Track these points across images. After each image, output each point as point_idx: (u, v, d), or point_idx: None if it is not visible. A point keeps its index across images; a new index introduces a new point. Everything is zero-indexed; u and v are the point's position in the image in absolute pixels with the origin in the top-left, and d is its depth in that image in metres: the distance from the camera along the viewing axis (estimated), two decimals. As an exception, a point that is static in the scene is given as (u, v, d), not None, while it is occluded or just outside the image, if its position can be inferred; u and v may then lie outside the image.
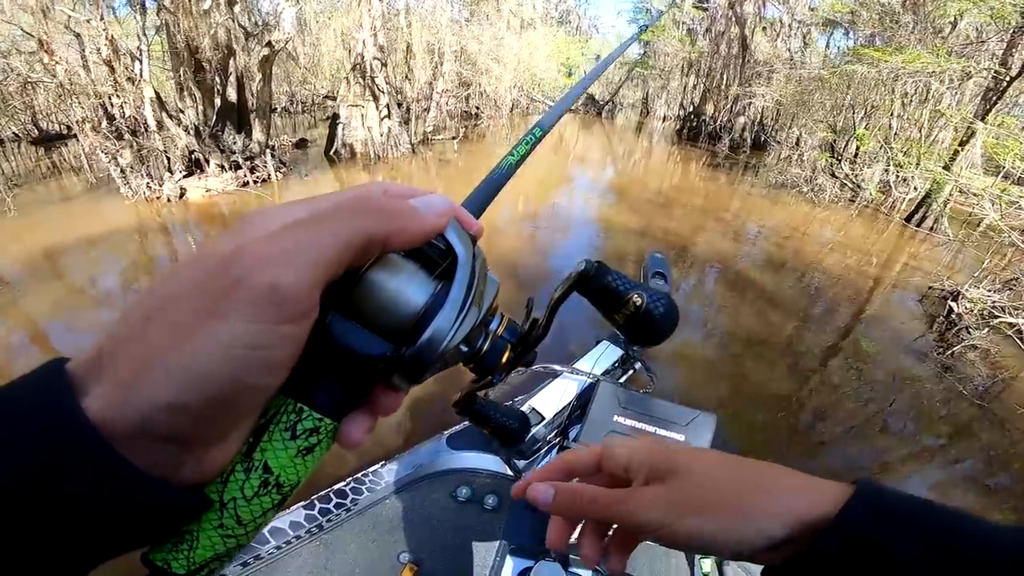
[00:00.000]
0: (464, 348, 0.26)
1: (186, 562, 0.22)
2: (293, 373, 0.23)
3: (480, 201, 0.32)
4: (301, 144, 11.90)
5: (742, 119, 15.06)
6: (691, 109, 17.44)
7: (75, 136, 7.64)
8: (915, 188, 8.81)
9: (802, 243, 7.06)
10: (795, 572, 0.29)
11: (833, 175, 9.98)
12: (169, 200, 6.92)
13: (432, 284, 0.25)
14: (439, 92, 11.22)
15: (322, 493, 1.38)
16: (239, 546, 0.24)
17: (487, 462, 1.49)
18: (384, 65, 8.86)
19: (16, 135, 11.38)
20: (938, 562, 0.25)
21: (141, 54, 6.15)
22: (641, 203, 8.48)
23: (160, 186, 6.97)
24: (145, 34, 6.15)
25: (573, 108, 21.82)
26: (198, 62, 6.50)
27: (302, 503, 1.36)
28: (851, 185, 9.82)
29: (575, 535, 0.38)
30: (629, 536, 0.36)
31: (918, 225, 8.10)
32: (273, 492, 0.24)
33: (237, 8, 6.55)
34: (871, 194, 9.33)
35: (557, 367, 1.34)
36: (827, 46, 14.51)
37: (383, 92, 8.91)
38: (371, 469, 1.46)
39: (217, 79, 6.88)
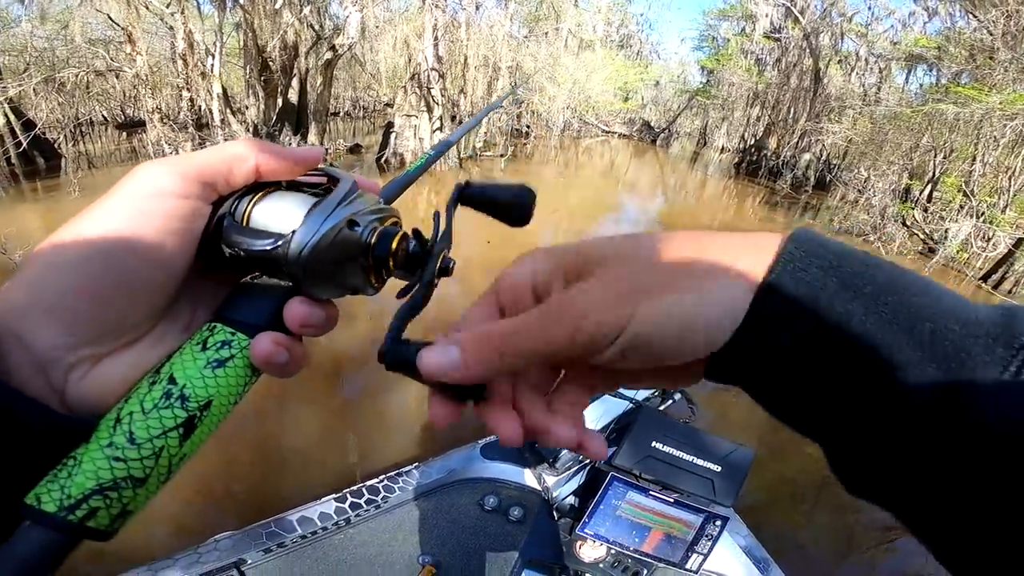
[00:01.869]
0: (356, 229, 0.27)
1: (60, 495, 0.20)
2: (217, 308, 0.26)
3: (393, 189, 0.36)
4: (355, 149, 12.45)
5: (807, 156, 14.66)
6: (752, 142, 17.09)
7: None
8: (995, 245, 8.33)
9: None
10: (743, 347, 0.22)
11: (905, 224, 9.56)
12: (220, 196, 7.37)
13: (315, 198, 0.27)
14: (495, 110, 11.53)
15: (355, 488, 1.45)
16: (131, 478, 0.21)
17: (517, 474, 1.54)
18: (442, 76, 9.19)
19: (104, 119, 12.53)
20: (902, 322, 0.20)
21: (215, 50, 6.63)
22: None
23: (213, 181, 7.43)
24: (221, 30, 6.65)
25: (627, 134, 22.03)
26: (264, 61, 6.96)
27: (334, 495, 1.41)
28: (923, 236, 9.38)
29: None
30: (581, 378, 0.28)
31: (995, 287, 7.65)
32: (176, 405, 0.22)
33: (307, 9, 6.98)
34: (953, 251, 8.66)
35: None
36: (906, 82, 14.05)
37: (438, 104, 9.23)
38: (405, 469, 1.53)
39: (281, 79, 7.33)
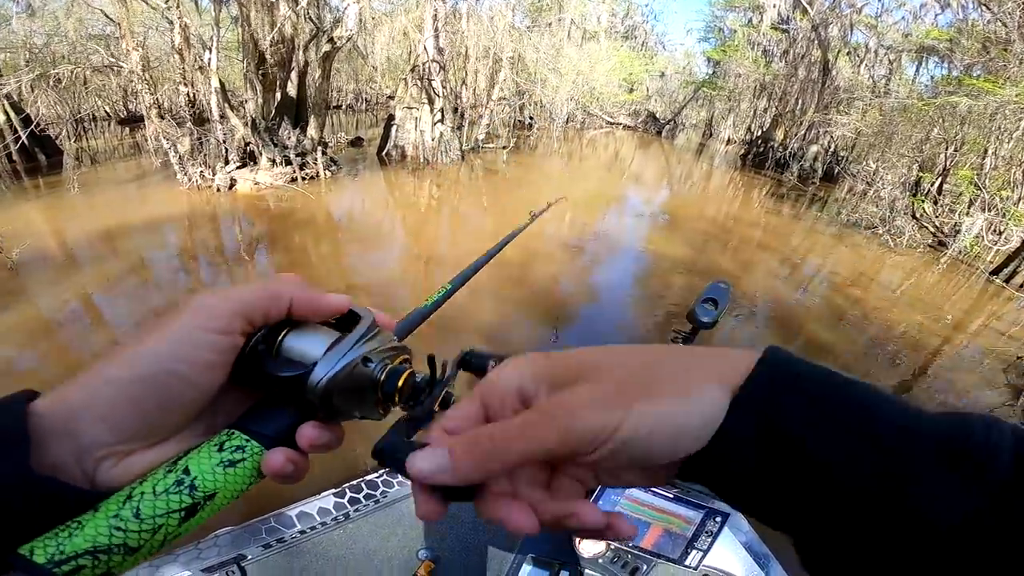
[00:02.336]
0: (369, 366, 0.32)
1: (54, 550, 0.22)
2: (239, 417, 0.31)
3: (407, 325, 0.42)
4: (356, 142, 12.45)
5: (814, 148, 14.57)
6: (759, 134, 17.00)
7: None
8: (1007, 239, 8.26)
9: (867, 290, 6.75)
10: (715, 454, 0.25)
11: (915, 216, 9.49)
12: (219, 190, 7.39)
13: (337, 335, 0.33)
14: (495, 100, 11.47)
15: (354, 483, 1.46)
16: (125, 547, 0.24)
17: None
18: (442, 68, 9.15)
19: (107, 114, 12.57)
20: (853, 446, 0.23)
21: (211, 43, 6.62)
22: (693, 232, 8.34)
23: (212, 175, 7.44)
24: (218, 24, 6.62)
25: (631, 125, 21.99)
26: (261, 55, 6.93)
27: (333, 491, 1.43)
28: (933, 229, 9.32)
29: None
30: (573, 473, 0.29)
31: (1007, 281, 7.59)
32: (184, 493, 0.26)
33: (304, 1, 6.93)
34: (967, 245, 8.61)
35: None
36: (916, 74, 13.92)
37: (438, 96, 9.20)
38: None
39: (279, 73, 7.30)
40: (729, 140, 20.10)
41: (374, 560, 1.35)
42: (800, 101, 15.02)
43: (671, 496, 1.16)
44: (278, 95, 7.71)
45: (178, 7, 6.24)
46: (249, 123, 7.25)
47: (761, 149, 16.21)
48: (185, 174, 7.47)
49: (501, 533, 1.41)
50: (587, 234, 7.46)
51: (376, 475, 1.49)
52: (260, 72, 7.26)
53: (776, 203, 11.59)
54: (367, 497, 1.44)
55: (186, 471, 0.27)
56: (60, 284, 5.05)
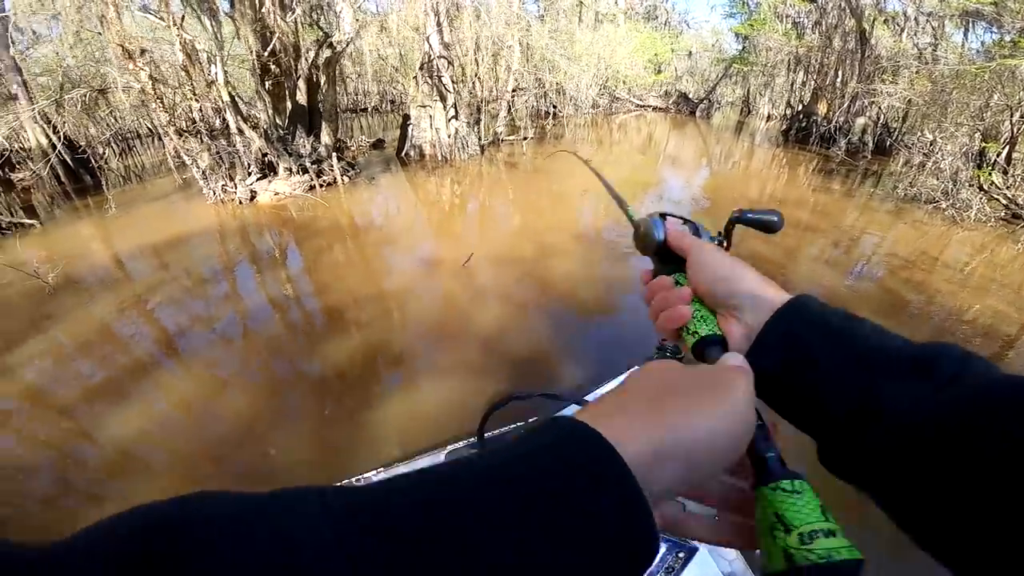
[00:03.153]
0: None
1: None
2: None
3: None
4: (378, 144, 12.45)
5: (861, 120, 13.57)
6: (800, 108, 16.05)
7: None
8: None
9: (930, 271, 6.07)
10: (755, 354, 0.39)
11: (982, 188, 8.58)
12: (241, 202, 7.46)
13: None
14: (509, 91, 11.18)
15: (355, 477, 1.52)
16: None
17: None
18: (450, 64, 8.94)
19: (149, 131, 13.10)
20: (846, 362, 0.35)
21: (215, 58, 6.64)
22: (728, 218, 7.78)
23: (234, 189, 7.52)
24: (219, 39, 6.63)
25: (662, 107, 21.26)
26: (265, 66, 6.91)
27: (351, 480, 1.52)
28: (1005, 201, 8.39)
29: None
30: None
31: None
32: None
33: (299, 11, 6.84)
34: None
35: (566, 394, 1.36)
36: (965, 40, 12.74)
37: (449, 92, 9.00)
38: (403, 461, 1.61)
39: (287, 82, 7.28)
40: (769, 116, 19.14)
41: None
42: (840, 73, 14.15)
43: None
44: (288, 104, 7.70)
45: (176, 25, 6.25)
46: (263, 134, 7.26)
47: (803, 124, 15.32)
48: (211, 188, 7.59)
49: None
50: (621, 224, 7.09)
51: (373, 471, 1.53)
52: (267, 83, 7.25)
53: (824, 179, 10.78)
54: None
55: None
56: (94, 304, 5.21)
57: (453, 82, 9.20)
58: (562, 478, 0.24)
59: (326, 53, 7.51)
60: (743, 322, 0.41)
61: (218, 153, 7.45)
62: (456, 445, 1.72)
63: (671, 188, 9.82)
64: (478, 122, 10.53)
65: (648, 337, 4.36)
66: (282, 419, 3.34)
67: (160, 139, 12.42)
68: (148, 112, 10.07)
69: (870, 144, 13.39)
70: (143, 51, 6.75)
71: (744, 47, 18.90)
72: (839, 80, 14.17)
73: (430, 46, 8.61)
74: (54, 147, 10.63)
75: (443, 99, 9.18)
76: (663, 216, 0.51)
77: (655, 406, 0.29)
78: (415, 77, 9.00)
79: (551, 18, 13.91)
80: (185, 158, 7.30)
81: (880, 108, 13.12)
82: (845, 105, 13.78)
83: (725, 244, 0.52)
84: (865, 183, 10.62)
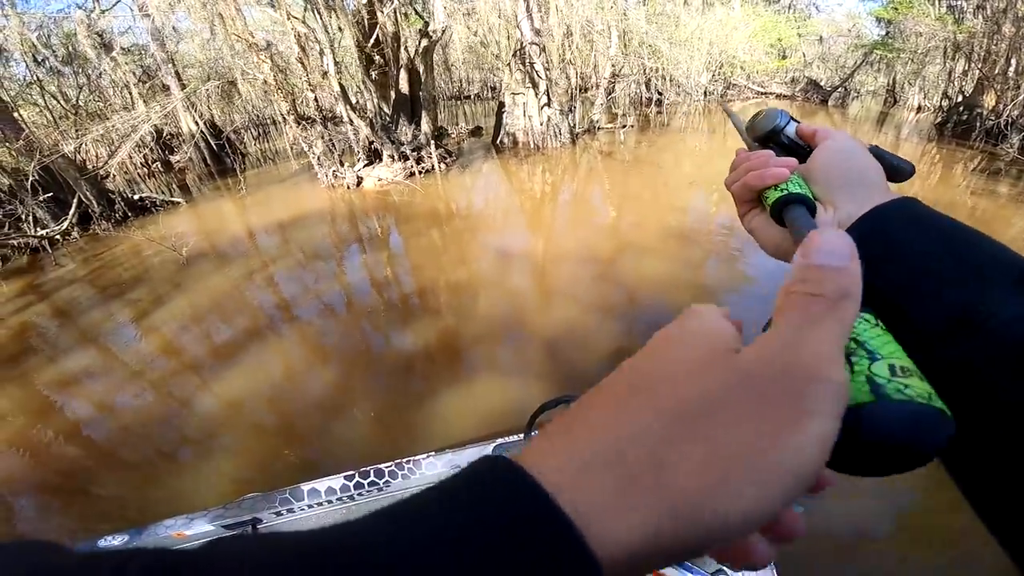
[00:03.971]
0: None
1: None
2: None
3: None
4: (476, 132, 12.67)
5: (1041, 113, 11.37)
6: (960, 99, 13.88)
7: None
8: None
9: None
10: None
11: None
12: (348, 187, 7.96)
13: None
14: (606, 77, 10.72)
15: (364, 469, 1.55)
16: None
17: None
18: (543, 50, 8.74)
19: (283, 116, 14.66)
20: (942, 255, 0.32)
21: (326, 50, 7.06)
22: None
23: (343, 174, 8.04)
24: (327, 31, 7.04)
25: (788, 94, 19.42)
26: (369, 56, 7.22)
27: (344, 474, 1.55)
28: None
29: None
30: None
31: None
32: None
33: (396, 2, 7.00)
34: None
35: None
36: None
37: (541, 79, 8.82)
38: (413, 458, 1.59)
39: (392, 71, 7.56)
40: (920, 107, 16.81)
41: None
42: (1014, 61, 12.11)
43: None
44: (392, 93, 8.01)
45: (289, 18, 6.70)
46: (369, 123, 7.64)
47: (964, 117, 13.25)
48: (324, 173, 8.19)
49: None
50: (713, 231, 6.56)
51: (385, 465, 1.55)
52: (372, 73, 7.59)
53: (988, 181, 9.11)
54: (371, 484, 1.53)
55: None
56: (220, 272, 5.85)
57: (546, 69, 9.01)
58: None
59: (424, 42, 7.70)
60: (841, 211, 0.38)
61: (331, 140, 7.99)
62: (504, 440, 1.72)
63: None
64: (572, 110, 10.24)
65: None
66: (356, 393, 3.47)
67: (293, 121, 13.78)
68: (271, 102, 11.11)
69: (1053, 142, 11.16)
70: (268, 44, 7.40)
71: (888, 32, 17.04)
72: (1012, 70, 12.18)
73: (521, 32, 8.48)
74: (202, 133, 12.12)
75: (535, 86, 9.04)
76: None
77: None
78: (508, 64, 8.94)
79: (654, 1, 13.17)
80: (303, 144, 7.93)
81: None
82: (1021, 98, 11.68)
83: None
84: (1042, 186, 8.81)
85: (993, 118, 12.27)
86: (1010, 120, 11.84)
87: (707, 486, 0.17)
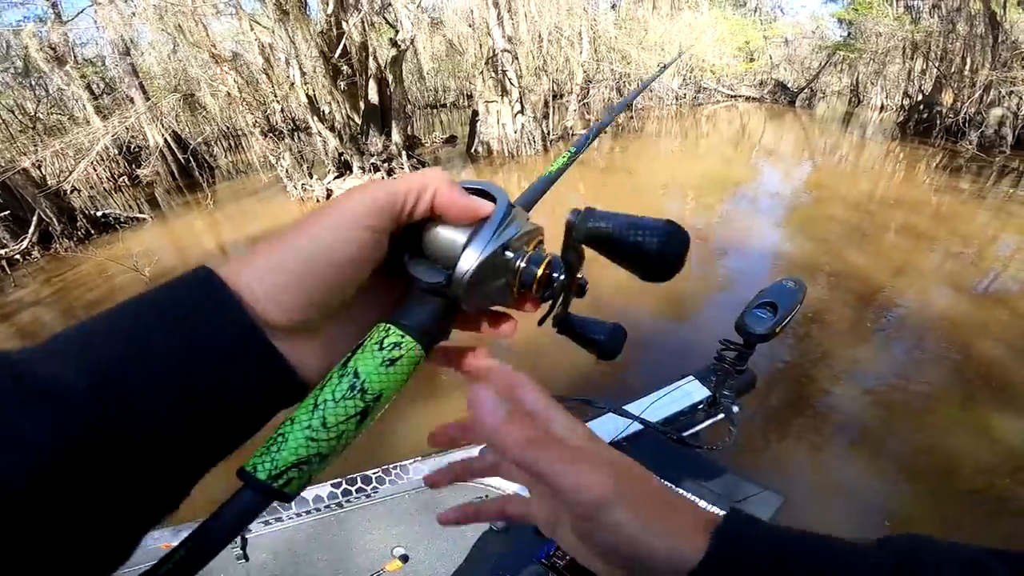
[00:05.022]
0: (508, 255, 0.33)
1: (270, 466, 0.26)
2: (394, 309, 0.33)
3: (527, 199, 0.40)
4: (451, 140, 12.60)
5: (998, 111, 11.70)
6: (920, 98, 14.29)
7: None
8: None
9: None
10: None
11: None
12: (318, 201, 7.81)
13: (474, 226, 0.33)
14: (579, 83, 10.77)
15: (351, 476, 1.51)
16: (319, 455, 0.28)
17: (510, 483, 1.45)
18: (515, 58, 8.73)
19: (250, 128, 14.39)
20: None
21: (292, 60, 6.93)
22: (831, 221, 6.92)
23: (312, 188, 7.89)
24: (293, 42, 6.92)
25: (756, 97, 19.77)
26: (335, 66, 7.11)
27: (331, 481, 1.51)
28: None
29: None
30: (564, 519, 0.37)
31: None
32: (357, 397, 0.28)
33: (364, 10, 6.92)
34: None
35: (601, 402, 1.26)
36: None
37: (514, 86, 8.81)
38: (400, 463, 1.57)
39: (360, 81, 7.45)
40: (883, 107, 17.27)
41: (351, 550, 1.46)
42: (968, 59, 12.48)
43: None
44: (362, 104, 7.90)
45: (251, 30, 6.55)
46: (337, 134, 7.52)
47: (925, 116, 13.60)
48: (294, 186, 8.04)
49: (478, 546, 1.42)
50: (699, 226, 6.60)
51: (372, 471, 1.54)
52: (339, 83, 7.47)
53: (950, 177, 9.35)
54: (359, 491, 1.51)
55: (356, 374, 0.29)
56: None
57: (518, 76, 9.00)
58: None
59: (392, 52, 7.62)
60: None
61: (299, 152, 7.84)
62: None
63: (766, 183, 9.01)
64: (546, 116, 10.24)
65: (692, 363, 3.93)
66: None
67: (260, 134, 13.51)
68: (235, 114, 10.89)
69: (1009, 138, 11.50)
70: (235, 55, 7.24)
71: (849, 33, 17.50)
72: (967, 68, 12.54)
73: (493, 40, 8.46)
74: (168, 146, 11.81)
75: (508, 94, 9.03)
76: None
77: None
78: (481, 72, 8.91)
79: (625, 7, 13.30)
80: (270, 157, 7.76)
81: (1022, 97, 11.26)
82: (977, 95, 12.01)
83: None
84: (1002, 182, 9.08)
85: (952, 116, 12.61)
86: (968, 117, 12.17)
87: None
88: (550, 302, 0.37)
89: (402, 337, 0.30)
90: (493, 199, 0.34)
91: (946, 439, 3.09)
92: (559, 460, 0.31)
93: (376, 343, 0.30)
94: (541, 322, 0.38)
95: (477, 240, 0.31)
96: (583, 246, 0.34)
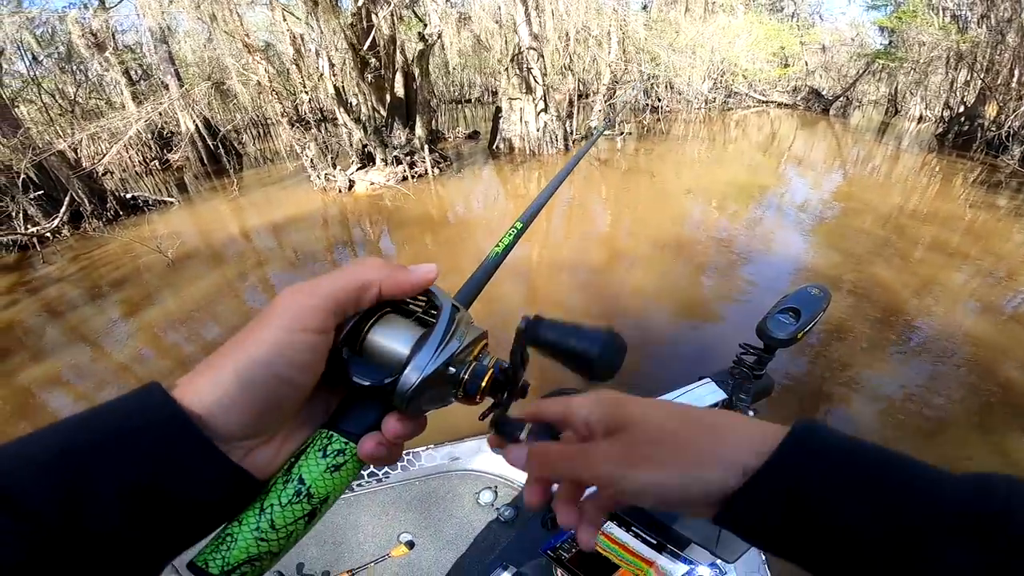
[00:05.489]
0: (451, 370, 0.34)
1: (222, 562, 0.28)
2: (331, 413, 0.34)
3: (471, 287, 0.41)
4: (474, 136, 12.61)
5: (1044, 126, 11.25)
6: (961, 110, 13.81)
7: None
8: None
9: None
10: (737, 518, 0.31)
11: None
12: (340, 191, 7.90)
13: (421, 332, 0.34)
14: (605, 84, 10.66)
15: None
16: (270, 553, 0.29)
17: (520, 473, 1.56)
18: (540, 56, 8.68)
19: (277, 117, 14.68)
20: (871, 511, 0.27)
21: (321, 52, 7.01)
22: (859, 233, 6.72)
23: (335, 177, 7.98)
24: (323, 33, 6.99)
25: (789, 103, 19.35)
26: (363, 59, 7.16)
27: None
28: None
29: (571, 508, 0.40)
30: (601, 501, 0.39)
31: None
32: (304, 502, 0.30)
33: (393, 3, 6.95)
34: None
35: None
36: None
37: (538, 84, 8.76)
38: (413, 451, 1.60)
39: (388, 75, 7.50)
40: (921, 117, 16.74)
41: (360, 533, 1.47)
42: (1016, 71, 12.02)
43: (654, 542, 1.09)
44: (388, 97, 7.95)
45: (284, 20, 6.65)
46: (363, 126, 7.58)
47: (966, 128, 13.14)
48: (318, 176, 8.14)
49: (485, 535, 1.44)
50: (737, 225, 6.52)
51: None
52: (366, 76, 7.53)
53: (988, 193, 9.01)
54: (371, 475, 1.53)
55: (301, 480, 0.31)
56: (206, 277, 5.82)
57: (543, 74, 8.95)
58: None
59: (419, 46, 7.65)
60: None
61: (324, 143, 7.93)
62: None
63: (793, 192, 8.81)
64: (571, 116, 10.17)
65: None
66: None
67: (288, 124, 13.75)
68: (264, 103, 11.08)
69: (1055, 154, 11.03)
70: (268, 44, 7.36)
71: (891, 41, 16.96)
72: (1015, 80, 12.06)
73: (519, 37, 8.43)
74: (199, 132, 12.08)
75: (532, 92, 8.99)
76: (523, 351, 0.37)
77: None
78: (506, 69, 8.90)
79: (656, 8, 13.12)
80: (296, 147, 7.87)
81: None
82: (1023, 109, 11.53)
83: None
84: (1043, 199, 8.71)
85: (994, 129, 12.15)
86: (1011, 131, 11.71)
87: (659, 460, 0.32)
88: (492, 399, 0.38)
89: (345, 444, 0.32)
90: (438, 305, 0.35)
91: (959, 457, 2.98)
92: (566, 460, 0.36)
93: (319, 450, 0.32)
94: (483, 416, 0.39)
95: (420, 357, 0.32)
96: (529, 349, 0.36)
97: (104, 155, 9.04)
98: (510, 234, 0.46)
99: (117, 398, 0.27)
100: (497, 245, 0.44)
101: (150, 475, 0.25)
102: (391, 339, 0.33)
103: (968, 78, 14.19)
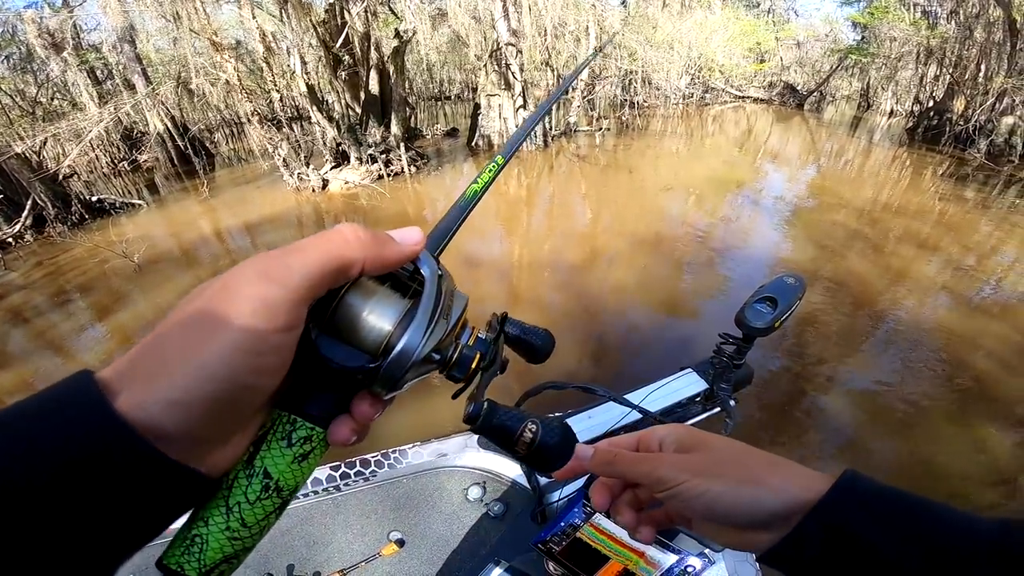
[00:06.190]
0: (436, 356, 0.31)
1: (198, 564, 0.26)
2: (288, 389, 0.29)
3: (443, 232, 0.38)
4: (452, 133, 12.54)
5: (1009, 119, 11.62)
6: (930, 104, 14.21)
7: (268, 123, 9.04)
8: None
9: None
10: (785, 553, 0.35)
11: None
12: (314, 190, 7.76)
13: (403, 304, 0.30)
14: (583, 80, 10.69)
15: (350, 460, 1.51)
16: (245, 548, 0.28)
17: (508, 468, 1.53)
18: (519, 52, 8.65)
19: (248, 116, 14.35)
20: (911, 550, 0.31)
21: (292, 49, 6.88)
22: (833, 226, 6.85)
23: (309, 176, 7.84)
24: (294, 30, 6.86)
25: (764, 98, 19.64)
26: (336, 56, 7.05)
27: (330, 464, 1.50)
28: None
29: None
30: (661, 514, 0.43)
31: None
32: (274, 496, 0.28)
33: (363, 3, 6.86)
34: None
35: (601, 390, 1.26)
36: None
37: (517, 80, 8.74)
38: (399, 448, 1.57)
39: (361, 72, 7.40)
40: (892, 112, 17.18)
41: (349, 533, 1.45)
42: (983, 67, 12.42)
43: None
44: (362, 95, 7.83)
45: (253, 17, 6.50)
46: (336, 124, 7.46)
47: (935, 122, 13.53)
48: (291, 175, 7.99)
49: (475, 531, 1.44)
50: (715, 220, 6.58)
51: (371, 455, 1.53)
52: (340, 73, 7.41)
53: (956, 186, 9.27)
54: (357, 474, 1.51)
55: (267, 474, 0.28)
56: (177, 280, 5.67)
57: (521, 70, 8.93)
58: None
59: (394, 43, 7.56)
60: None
61: (297, 142, 7.79)
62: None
63: (769, 187, 8.93)
64: (549, 111, 10.18)
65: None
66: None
67: (261, 121, 13.49)
68: (235, 101, 10.85)
69: (1019, 147, 11.40)
70: (238, 43, 7.19)
71: (863, 37, 17.27)
72: (982, 75, 12.44)
73: (497, 33, 8.39)
74: (168, 132, 11.78)
75: (511, 88, 8.96)
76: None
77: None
78: (484, 66, 8.85)
79: (634, 2, 13.20)
80: (268, 146, 7.71)
81: (1035, 106, 11.17)
82: (989, 102, 11.91)
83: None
84: (1008, 192, 8.99)
85: (962, 123, 12.51)
86: (978, 125, 12.07)
87: (724, 475, 0.37)
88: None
89: (311, 430, 0.29)
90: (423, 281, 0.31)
91: (932, 448, 3.04)
92: (631, 463, 0.41)
93: (283, 438, 0.28)
94: (456, 396, 0.37)
95: (410, 336, 0.29)
96: (506, 346, 0.37)
97: (67, 157, 8.75)
98: (490, 169, 0.42)
99: (48, 395, 0.24)
100: (475, 182, 0.40)
101: (81, 485, 0.22)
102: (370, 312, 0.29)
103: (937, 73, 14.59)
